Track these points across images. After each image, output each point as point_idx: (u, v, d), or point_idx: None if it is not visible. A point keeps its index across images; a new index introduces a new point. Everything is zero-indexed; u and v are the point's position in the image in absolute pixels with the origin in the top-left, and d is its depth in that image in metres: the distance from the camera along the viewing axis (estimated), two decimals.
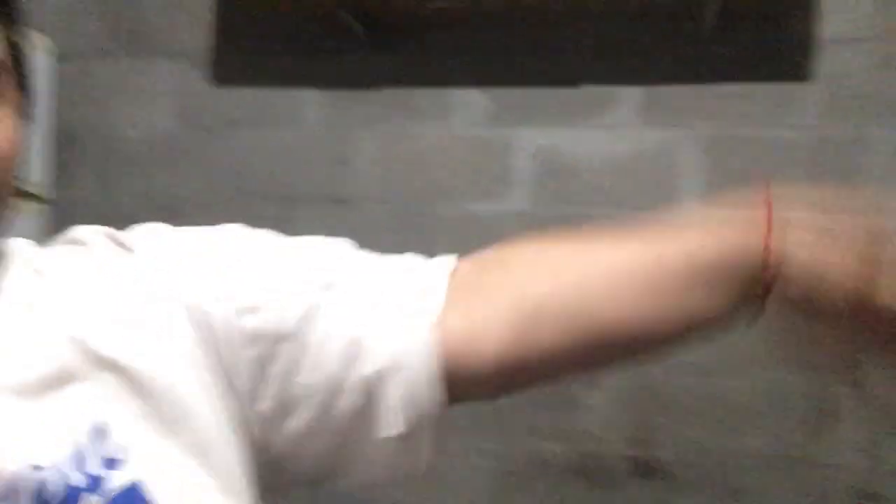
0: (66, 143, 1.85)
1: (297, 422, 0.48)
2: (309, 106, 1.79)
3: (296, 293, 0.48)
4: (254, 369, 0.47)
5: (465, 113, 1.71)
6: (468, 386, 0.49)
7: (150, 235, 0.53)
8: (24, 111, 0.50)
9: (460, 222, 1.69)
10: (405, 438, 0.48)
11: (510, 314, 0.49)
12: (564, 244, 0.52)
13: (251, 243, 0.52)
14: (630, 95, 1.64)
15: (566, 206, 1.65)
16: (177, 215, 1.81)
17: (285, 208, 1.78)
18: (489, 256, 0.53)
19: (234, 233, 0.53)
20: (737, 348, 1.57)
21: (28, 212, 1.67)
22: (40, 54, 1.72)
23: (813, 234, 0.47)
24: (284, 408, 0.48)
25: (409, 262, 0.52)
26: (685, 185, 1.61)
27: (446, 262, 0.52)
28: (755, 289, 0.47)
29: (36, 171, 1.71)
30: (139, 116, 1.86)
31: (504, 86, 1.70)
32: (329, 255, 0.52)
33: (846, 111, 1.55)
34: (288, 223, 1.81)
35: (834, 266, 0.46)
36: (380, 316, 0.48)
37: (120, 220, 1.90)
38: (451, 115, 1.72)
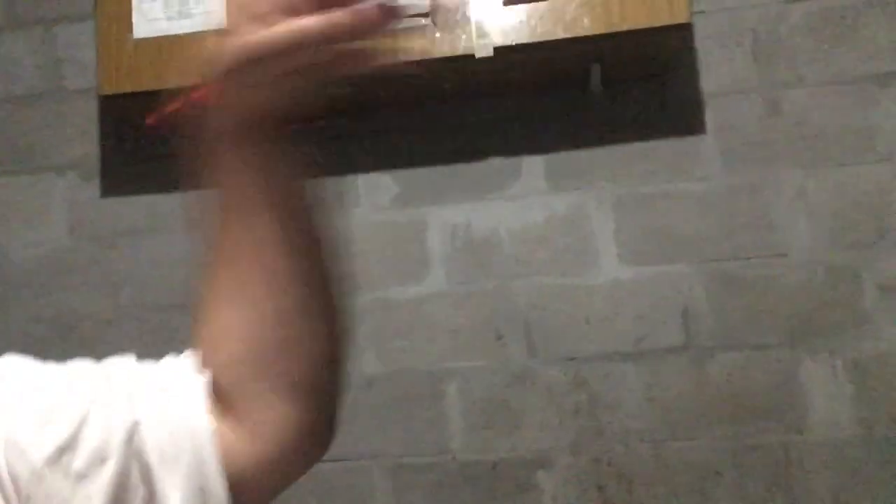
0: None
1: None
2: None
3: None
4: None
5: (373, 198, 1.68)
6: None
7: None
8: None
9: (380, 310, 1.63)
10: None
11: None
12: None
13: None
14: (533, 164, 1.64)
15: (485, 280, 1.62)
16: (76, 334, 1.71)
17: (192, 316, 1.69)
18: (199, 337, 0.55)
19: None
20: (684, 409, 1.55)
21: None
22: None
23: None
24: None
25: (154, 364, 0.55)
26: (599, 246, 1.61)
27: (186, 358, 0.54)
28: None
29: None
30: (27, 235, 1.75)
31: (409, 167, 1.67)
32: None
33: (745, 158, 1.59)
34: None
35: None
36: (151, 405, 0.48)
37: (14, 345, 1.75)
38: (359, 202, 1.68)
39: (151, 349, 1.79)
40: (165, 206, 1.73)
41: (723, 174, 1.59)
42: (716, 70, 1.61)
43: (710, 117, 1.60)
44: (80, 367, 0.52)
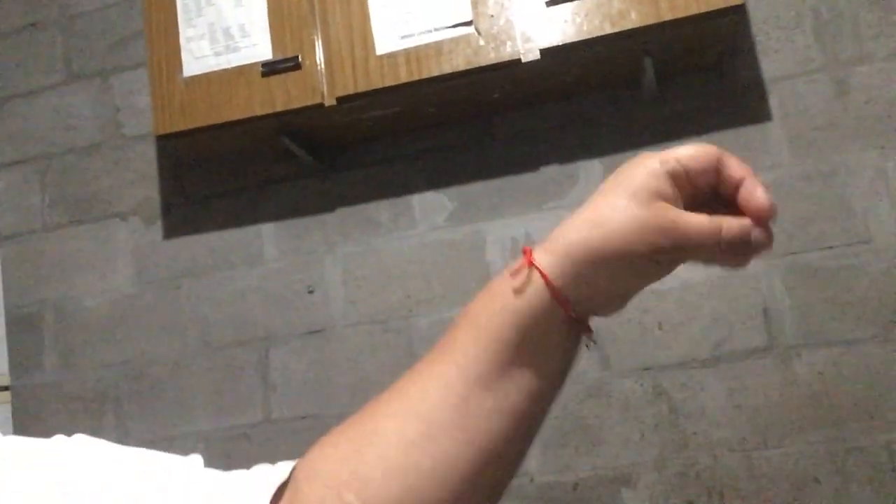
0: (21, 326, 1.76)
1: None
2: (267, 240, 1.72)
3: None
4: None
5: (429, 217, 1.65)
6: None
7: None
8: None
9: (442, 332, 1.59)
10: None
11: None
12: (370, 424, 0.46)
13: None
14: (591, 169, 1.59)
15: None
16: (146, 378, 1.72)
17: (258, 351, 1.68)
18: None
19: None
20: (773, 414, 1.45)
21: None
22: None
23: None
24: None
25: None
26: None
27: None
28: (554, 313, 0.45)
29: None
30: (95, 284, 1.79)
31: (462, 183, 1.64)
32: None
33: (815, 143, 1.51)
34: (263, 367, 1.71)
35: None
36: None
37: (88, 395, 1.76)
38: (415, 223, 1.66)
39: (220, 387, 1.79)
40: (225, 242, 1.74)
41: (792, 161, 1.51)
42: (776, 53, 1.54)
43: (774, 103, 1.53)
44: (141, 476, 0.45)
